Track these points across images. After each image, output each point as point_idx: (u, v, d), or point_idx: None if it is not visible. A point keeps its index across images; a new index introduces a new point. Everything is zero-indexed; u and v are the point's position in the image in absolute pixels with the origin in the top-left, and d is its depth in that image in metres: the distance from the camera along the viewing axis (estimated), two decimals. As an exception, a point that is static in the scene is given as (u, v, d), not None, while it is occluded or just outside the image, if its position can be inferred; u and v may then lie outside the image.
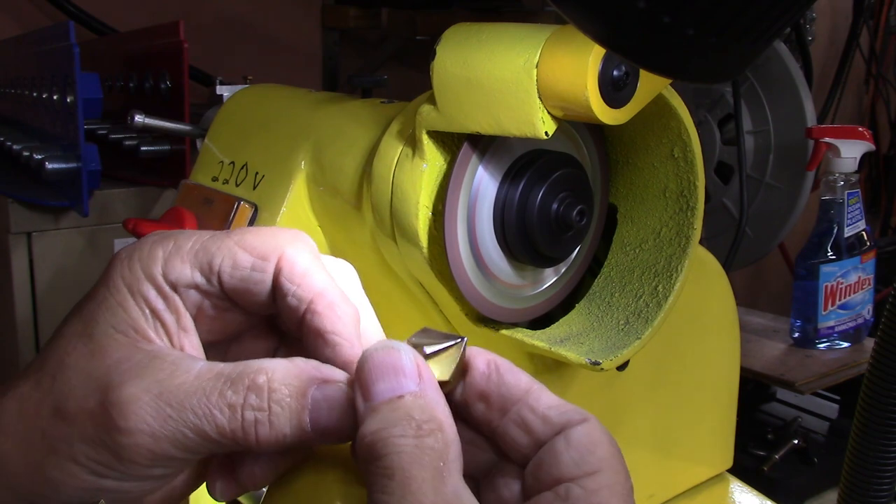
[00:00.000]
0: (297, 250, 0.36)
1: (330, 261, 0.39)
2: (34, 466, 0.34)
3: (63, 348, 0.35)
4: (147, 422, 0.32)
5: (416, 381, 0.32)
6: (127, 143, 1.13)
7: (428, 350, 0.34)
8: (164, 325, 0.35)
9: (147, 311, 0.35)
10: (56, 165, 1.00)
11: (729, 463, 0.74)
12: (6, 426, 0.34)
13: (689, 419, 0.69)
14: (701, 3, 0.26)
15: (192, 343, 0.36)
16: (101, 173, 1.01)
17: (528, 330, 0.55)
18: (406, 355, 0.32)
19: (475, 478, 0.36)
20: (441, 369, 0.34)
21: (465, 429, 0.36)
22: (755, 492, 0.73)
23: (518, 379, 0.34)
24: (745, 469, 1.10)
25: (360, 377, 0.32)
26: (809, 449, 1.21)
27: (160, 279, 0.35)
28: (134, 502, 0.35)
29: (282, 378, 0.33)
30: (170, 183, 1.11)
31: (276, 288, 0.36)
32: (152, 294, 0.35)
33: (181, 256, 0.35)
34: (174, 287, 0.35)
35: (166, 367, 0.33)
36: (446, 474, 0.30)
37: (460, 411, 0.35)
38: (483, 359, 0.35)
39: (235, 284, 0.36)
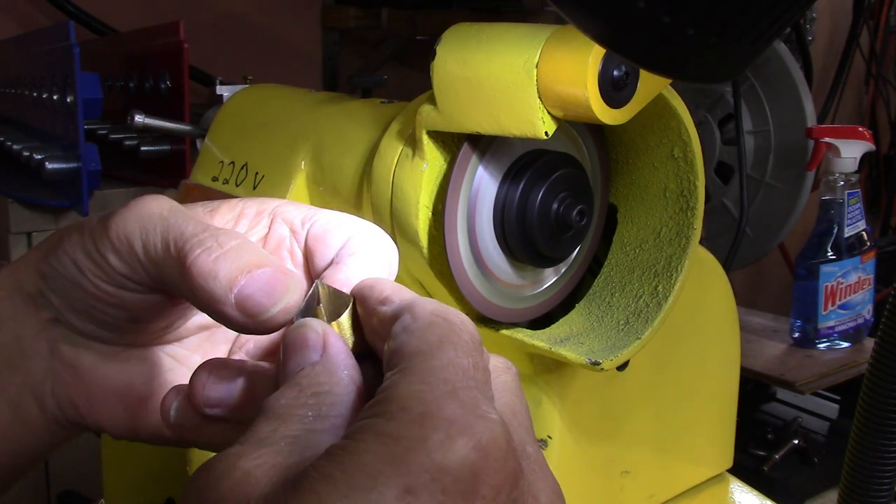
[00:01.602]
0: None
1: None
2: (62, 234, 0.37)
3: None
4: (142, 209, 0.35)
5: (318, 352, 0.31)
6: (127, 143, 1.14)
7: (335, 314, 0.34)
8: (236, 224, 0.38)
9: (233, 215, 0.39)
10: (56, 165, 1.00)
11: (729, 463, 0.74)
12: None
13: (689, 419, 0.69)
14: (701, 3, 0.26)
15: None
16: (101, 173, 1.01)
17: (528, 330, 0.55)
18: (312, 330, 0.32)
19: None
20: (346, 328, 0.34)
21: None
22: (755, 492, 0.73)
23: (371, 293, 0.33)
24: (745, 469, 1.10)
25: (279, 359, 0.32)
26: (809, 449, 1.21)
27: (267, 210, 0.39)
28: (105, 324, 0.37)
29: (256, 247, 0.34)
30: (170, 183, 1.11)
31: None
32: (251, 212, 0.39)
33: (294, 207, 0.39)
34: (274, 218, 0.39)
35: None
36: (309, 423, 0.29)
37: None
38: (355, 288, 0.35)
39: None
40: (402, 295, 0.33)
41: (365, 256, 0.36)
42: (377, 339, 0.33)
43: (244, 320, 0.33)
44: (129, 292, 0.36)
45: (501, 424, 0.27)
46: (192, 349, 0.41)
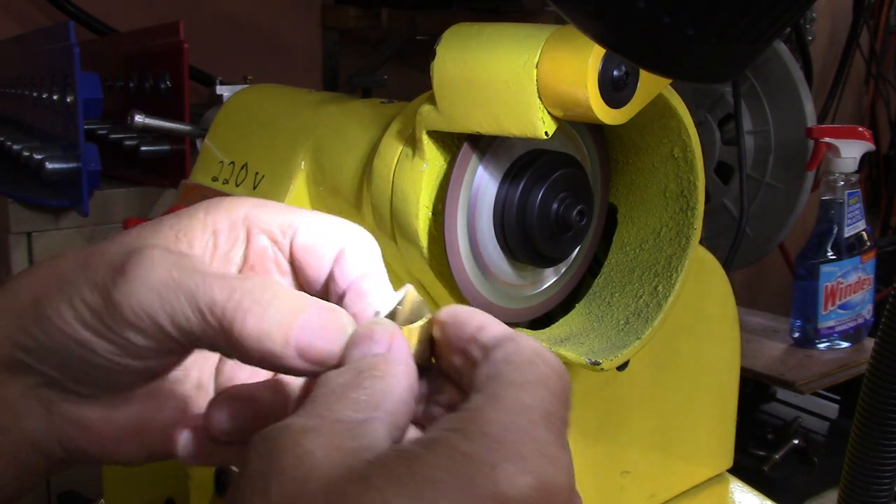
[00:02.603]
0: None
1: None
2: (36, 298, 0.35)
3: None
4: (150, 276, 0.33)
5: (383, 347, 0.32)
6: (127, 143, 1.14)
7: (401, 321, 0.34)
8: (216, 244, 0.37)
9: (209, 229, 0.36)
10: (56, 165, 1.00)
11: (729, 463, 0.74)
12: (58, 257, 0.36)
13: (689, 419, 0.69)
14: (701, 3, 0.26)
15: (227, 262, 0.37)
16: (101, 173, 1.01)
17: (528, 330, 0.55)
18: (381, 327, 0.33)
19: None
20: (414, 339, 0.34)
21: (446, 394, 0.35)
22: (755, 492, 0.73)
23: (471, 318, 0.34)
24: (745, 469, 1.10)
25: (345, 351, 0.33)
26: (809, 449, 1.21)
27: (238, 222, 0.37)
28: (110, 380, 0.36)
29: (287, 289, 0.33)
30: (170, 183, 1.11)
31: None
32: (223, 226, 0.37)
33: (267, 214, 0.37)
34: (250, 228, 0.37)
35: (188, 256, 0.35)
36: (363, 407, 0.29)
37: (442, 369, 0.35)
38: (446, 310, 0.35)
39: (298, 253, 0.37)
40: (502, 326, 0.33)
41: (374, 273, 0.37)
42: (457, 358, 0.34)
43: (315, 367, 0.33)
44: (153, 359, 0.35)
45: (569, 474, 0.28)
46: (188, 366, 0.40)
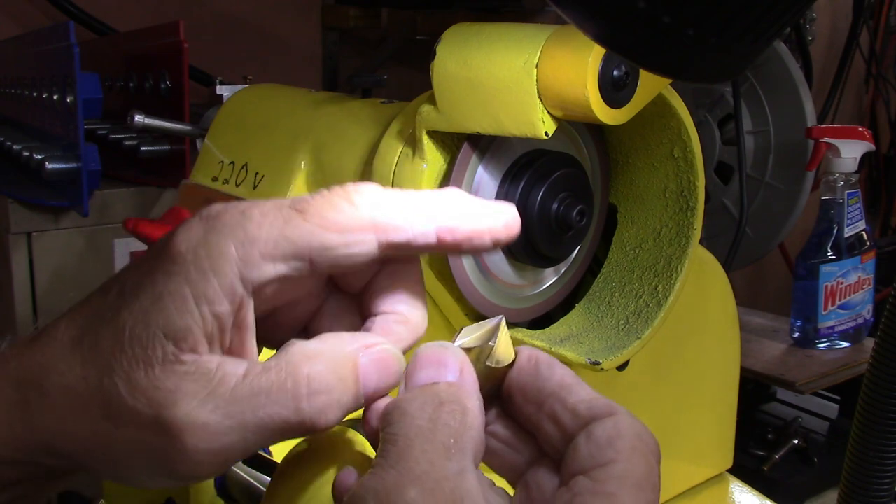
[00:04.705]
0: (388, 209, 0.34)
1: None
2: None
3: (106, 342, 0.32)
4: (206, 440, 0.31)
5: (455, 374, 0.32)
6: (127, 143, 1.14)
7: (468, 344, 0.34)
8: (220, 328, 0.32)
9: (209, 315, 0.32)
10: (56, 165, 1.00)
11: (729, 463, 0.74)
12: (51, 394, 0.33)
13: (689, 419, 0.69)
14: (701, 3, 0.26)
15: (241, 340, 0.33)
16: (101, 173, 1.01)
17: (528, 330, 0.55)
18: (452, 353, 0.33)
19: (510, 481, 0.36)
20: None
21: (506, 428, 0.36)
22: (755, 492, 0.73)
23: (553, 372, 0.34)
24: (745, 469, 1.10)
25: (407, 370, 0.33)
26: (809, 449, 1.21)
27: (234, 282, 0.32)
28: None
29: (331, 357, 0.33)
30: (170, 183, 1.11)
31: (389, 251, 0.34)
32: (219, 298, 0.32)
33: (258, 251, 0.32)
34: (249, 288, 0.32)
35: (213, 375, 0.32)
36: (454, 452, 0.30)
37: (504, 407, 0.36)
38: (524, 354, 0.35)
39: (322, 264, 0.33)
40: (586, 389, 0.34)
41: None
42: (531, 407, 0.34)
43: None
44: None
45: None
46: None
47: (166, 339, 0.31)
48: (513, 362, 0.35)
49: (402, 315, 0.36)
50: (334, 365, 0.33)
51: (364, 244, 0.33)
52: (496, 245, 0.35)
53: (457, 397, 0.31)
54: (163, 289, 0.32)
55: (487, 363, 0.34)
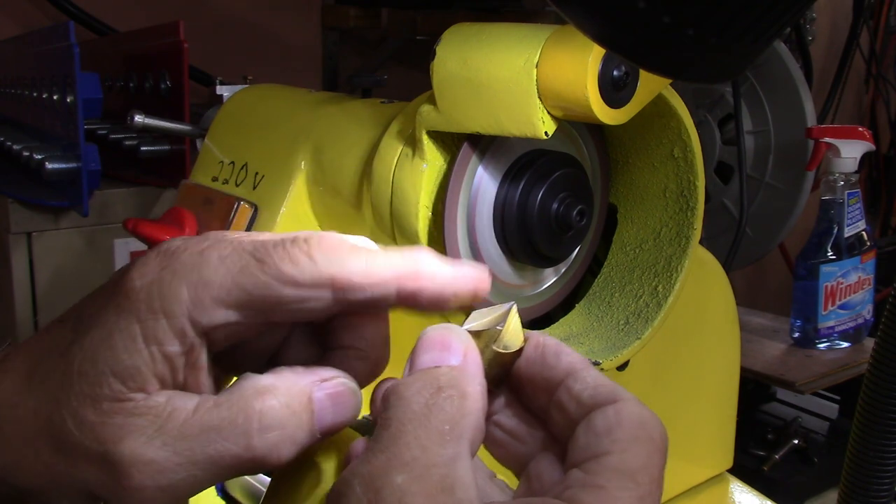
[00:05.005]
0: (349, 267, 0.33)
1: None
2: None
3: (55, 377, 0.32)
4: (153, 477, 0.31)
5: (459, 358, 0.32)
6: (127, 143, 1.13)
7: (477, 328, 0.34)
8: (171, 367, 0.32)
9: (158, 355, 0.32)
10: (56, 165, 1.00)
11: (729, 463, 0.74)
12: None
13: (689, 419, 0.69)
14: (701, 3, 0.26)
15: (195, 378, 0.33)
16: (101, 173, 1.01)
17: (529, 330, 0.55)
18: (457, 336, 0.32)
19: (516, 472, 0.35)
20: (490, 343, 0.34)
21: (513, 417, 0.35)
22: (755, 492, 0.73)
23: (559, 360, 0.33)
24: (745, 469, 1.10)
25: (412, 351, 0.33)
26: (809, 449, 1.21)
27: (185, 324, 0.32)
28: None
29: (285, 392, 0.32)
30: (170, 183, 1.11)
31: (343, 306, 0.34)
32: (169, 339, 0.32)
33: (210, 296, 0.32)
34: (200, 330, 0.32)
35: (161, 412, 0.31)
36: (449, 439, 0.29)
37: (514, 396, 0.35)
38: (532, 341, 0.34)
39: (276, 314, 0.33)
40: (594, 373, 0.33)
41: None
42: (541, 395, 0.34)
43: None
44: None
45: None
46: None
47: (114, 377, 0.31)
48: (522, 348, 0.34)
49: (362, 351, 0.36)
50: (288, 399, 0.32)
51: (319, 300, 0.33)
52: (461, 308, 0.34)
53: (456, 382, 0.31)
54: (113, 326, 0.32)
55: (494, 348, 0.33)
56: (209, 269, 0.32)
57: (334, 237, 0.34)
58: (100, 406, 0.31)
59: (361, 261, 0.33)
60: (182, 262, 0.32)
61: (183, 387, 0.33)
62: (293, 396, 0.32)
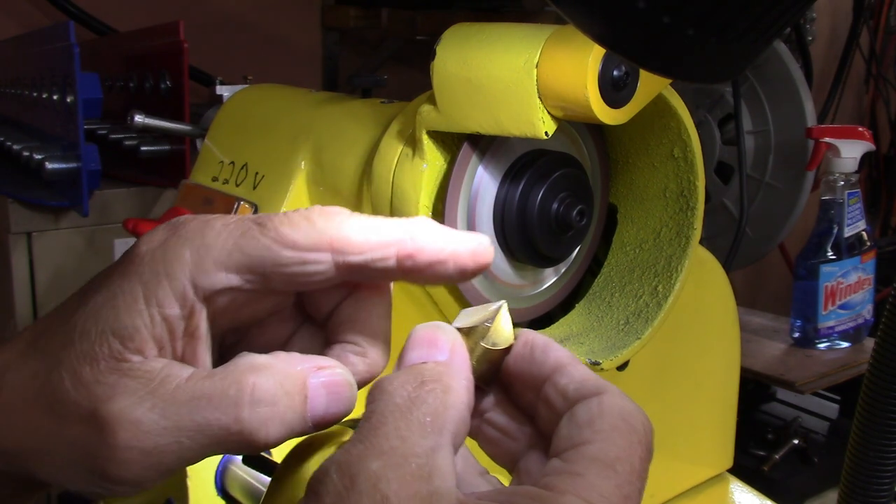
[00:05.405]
0: (347, 230, 0.33)
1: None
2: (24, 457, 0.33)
3: (59, 339, 0.33)
4: (138, 437, 0.31)
5: (445, 354, 0.32)
6: (127, 143, 1.13)
7: (466, 325, 0.34)
8: (171, 331, 0.33)
9: (157, 318, 0.32)
10: (56, 165, 1.00)
11: (729, 463, 0.74)
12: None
13: (689, 419, 0.69)
14: (701, 3, 0.26)
15: (193, 349, 0.34)
16: (101, 173, 1.01)
17: (528, 330, 0.55)
18: (444, 333, 0.33)
19: (509, 469, 0.35)
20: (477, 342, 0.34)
21: (504, 415, 0.35)
22: (755, 492, 0.73)
23: (547, 356, 0.34)
24: (745, 469, 1.10)
25: (401, 351, 0.33)
26: (809, 449, 1.21)
27: (186, 286, 0.32)
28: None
29: (280, 372, 0.33)
30: (170, 183, 1.11)
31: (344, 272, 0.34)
32: (169, 301, 0.32)
33: (212, 258, 0.32)
34: (201, 294, 0.33)
35: (154, 376, 0.32)
36: (430, 430, 0.29)
37: (505, 394, 0.35)
38: (521, 338, 0.35)
39: (277, 281, 0.33)
40: (582, 369, 0.33)
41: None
42: (529, 392, 0.34)
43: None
44: None
45: None
46: None
47: (113, 336, 0.32)
48: (511, 346, 0.34)
49: (360, 347, 0.36)
50: (282, 379, 0.32)
51: (319, 263, 0.33)
52: (463, 275, 0.34)
53: (441, 376, 0.31)
54: (117, 288, 0.33)
55: (483, 344, 0.33)
56: (212, 234, 0.33)
57: (338, 208, 0.34)
58: (97, 365, 0.32)
59: (362, 223, 0.33)
60: (188, 228, 0.33)
61: (181, 358, 0.33)
62: (288, 377, 0.32)
